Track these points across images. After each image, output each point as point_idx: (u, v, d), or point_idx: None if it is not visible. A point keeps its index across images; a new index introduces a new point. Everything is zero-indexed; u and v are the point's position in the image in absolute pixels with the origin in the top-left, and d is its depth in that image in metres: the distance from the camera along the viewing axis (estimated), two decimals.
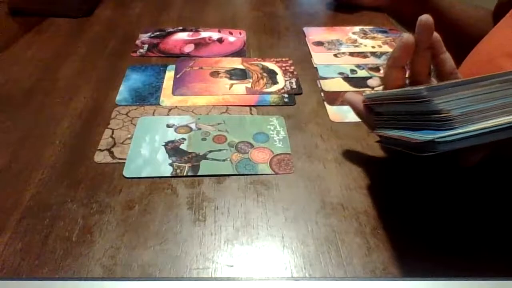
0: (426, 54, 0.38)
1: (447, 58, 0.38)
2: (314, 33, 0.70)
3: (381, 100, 0.37)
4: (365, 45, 0.66)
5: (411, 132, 0.31)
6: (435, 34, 0.38)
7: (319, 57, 0.63)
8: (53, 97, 0.52)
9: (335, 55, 0.63)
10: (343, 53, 0.64)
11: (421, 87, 0.30)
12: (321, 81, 0.57)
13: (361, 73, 0.59)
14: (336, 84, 0.56)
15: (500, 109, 0.29)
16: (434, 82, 0.39)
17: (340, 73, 0.58)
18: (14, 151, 0.43)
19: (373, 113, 0.39)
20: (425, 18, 0.36)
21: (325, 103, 0.52)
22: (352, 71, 0.59)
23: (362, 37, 0.68)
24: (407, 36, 0.37)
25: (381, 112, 0.38)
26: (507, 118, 0.28)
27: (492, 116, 0.28)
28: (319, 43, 0.67)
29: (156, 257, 0.33)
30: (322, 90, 0.55)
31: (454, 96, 0.29)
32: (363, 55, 0.63)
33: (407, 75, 0.40)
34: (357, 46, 0.66)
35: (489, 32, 0.51)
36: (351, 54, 0.63)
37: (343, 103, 0.52)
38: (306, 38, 0.68)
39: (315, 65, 0.61)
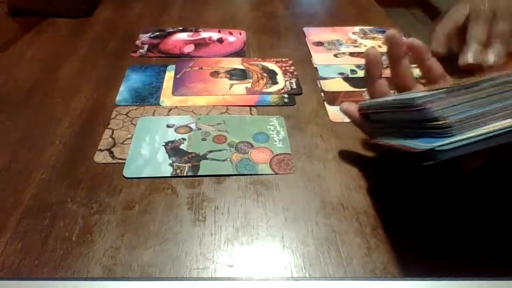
0: (404, 62, 0.39)
1: (433, 63, 0.39)
2: (314, 33, 0.70)
3: (376, 108, 0.37)
4: (365, 45, 0.66)
5: (409, 140, 0.30)
6: (418, 42, 0.39)
7: (319, 57, 0.63)
8: (53, 97, 0.52)
9: (335, 55, 0.63)
10: (343, 53, 0.64)
11: (414, 95, 0.29)
12: (321, 81, 0.57)
13: (361, 73, 0.59)
14: (336, 84, 0.56)
15: (498, 112, 0.28)
16: (421, 86, 0.39)
17: (340, 73, 0.58)
18: (14, 151, 0.43)
19: (369, 121, 0.39)
20: (391, 33, 0.38)
21: (325, 103, 0.52)
22: (352, 71, 0.59)
23: (362, 37, 0.68)
24: (371, 51, 0.39)
25: (377, 120, 0.38)
26: (507, 122, 0.27)
27: (491, 121, 0.28)
28: (319, 43, 0.67)
29: (156, 257, 0.33)
30: (322, 90, 0.55)
31: (449, 103, 0.28)
32: (363, 55, 0.63)
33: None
34: (357, 46, 0.66)
35: None
36: (351, 54, 0.63)
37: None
38: (306, 38, 0.68)
39: (315, 65, 0.61)
